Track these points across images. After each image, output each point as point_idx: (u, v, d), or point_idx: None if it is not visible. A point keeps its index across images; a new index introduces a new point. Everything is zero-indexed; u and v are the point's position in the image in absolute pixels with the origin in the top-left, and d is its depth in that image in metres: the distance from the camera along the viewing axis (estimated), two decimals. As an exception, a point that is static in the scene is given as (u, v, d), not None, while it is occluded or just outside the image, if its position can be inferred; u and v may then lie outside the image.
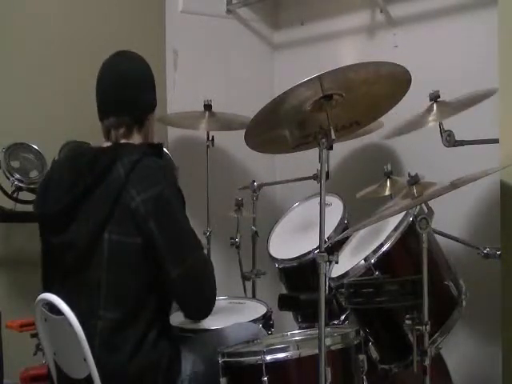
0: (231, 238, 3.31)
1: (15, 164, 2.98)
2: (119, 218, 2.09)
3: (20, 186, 2.97)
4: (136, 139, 2.25)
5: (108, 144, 2.25)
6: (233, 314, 2.71)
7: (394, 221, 2.36)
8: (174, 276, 2.10)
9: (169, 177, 2.17)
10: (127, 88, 2.24)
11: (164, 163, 2.22)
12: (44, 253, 2.25)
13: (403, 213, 2.33)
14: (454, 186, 2.17)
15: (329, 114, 2.03)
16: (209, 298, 2.21)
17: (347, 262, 2.42)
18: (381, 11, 3.43)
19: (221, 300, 2.90)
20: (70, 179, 2.16)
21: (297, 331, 2.53)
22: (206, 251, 3.34)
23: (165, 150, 2.35)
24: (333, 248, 2.58)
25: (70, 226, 2.14)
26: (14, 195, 2.98)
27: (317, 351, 1.95)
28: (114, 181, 2.10)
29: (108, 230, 2.09)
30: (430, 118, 2.58)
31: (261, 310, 2.70)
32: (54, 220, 2.18)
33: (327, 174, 2.03)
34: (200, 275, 2.18)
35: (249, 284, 3.34)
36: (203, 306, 2.21)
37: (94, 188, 2.11)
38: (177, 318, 2.48)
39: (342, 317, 2.73)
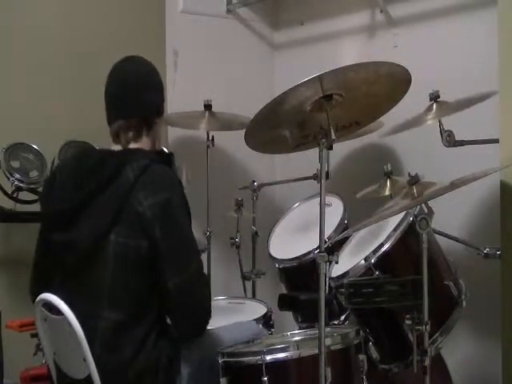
0: (231, 238, 3.31)
1: (15, 164, 2.98)
2: (126, 221, 2.09)
3: (20, 186, 2.97)
4: (145, 142, 2.25)
5: (117, 147, 2.25)
6: (233, 314, 2.71)
7: (393, 221, 2.36)
8: (171, 285, 2.09)
9: (177, 185, 2.18)
10: (136, 91, 2.25)
11: (174, 173, 2.22)
12: (42, 253, 2.25)
13: (403, 213, 2.33)
14: (454, 186, 2.17)
15: (329, 114, 2.03)
16: (204, 311, 2.17)
17: (347, 261, 2.42)
18: (381, 11, 3.43)
19: (221, 300, 2.90)
20: (75, 180, 2.17)
21: (297, 331, 2.53)
22: (205, 251, 3.35)
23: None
24: (333, 248, 2.58)
25: (74, 227, 2.14)
26: (14, 195, 2.98)
27: (317, 351, 1.95)
28: (122, 184, 2.10)
29: (114, 233, 2.09)
30: (430, 118, 2.58)
31: (261, 310, 2.70)
32: (57, 220, 2.18)
33: (327, 173, 2.03)
34: (198, 285, 2.17)
35: (249, 284, 3.34)
36: (199, 318, 2.18)
37: (100, 190, 2.11)
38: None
39: (342, 317, 2.73)
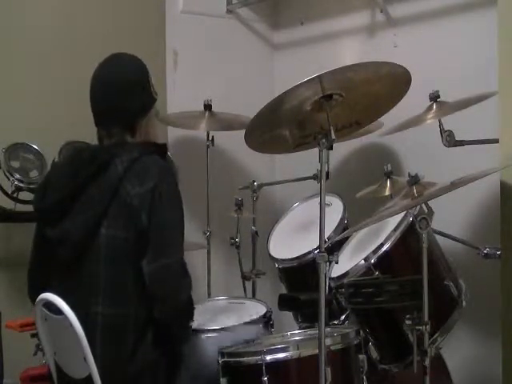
0: (231, 238, 3.31)
1: (15, 164, 2.98)
2: (115, 213, 2.10)
3: (20, 186, 2.97)
4: (130, 141, 2.25)
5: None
6: (233, 314, 2.71)
7: (393, 221, 2.36)
8: (146, 270, 2.08)
9: (167, 175, 2.17)
10: (113, 98, 2.23)
11: (165, 163, 2.21)
12: (37, 251, 2.25)
13: (403, 213, 2.33)
14: (454, 185, 2.18)
15: (329, 114, 2.03)
16: (177, 303, 2.15)
17: (347, 261, 2.42)
18: (381, 11, 3.43)
19: (221, 300, 2.90)
20: (68, 176, 2.17)
21: (297, 331, 2.53)
22: (205, 251, 3.35)
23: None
24: (333, 248, 2.58)
25: (66, 221, 2.14)
26: (14, 195, 2.98)
27: (317, 351, 1.96)
28: (111, 177, 2.11)
29: (105, 226, 2.10)
30: (430, 118, 2.58)
31: (261, 310, 2.70)
32: (50, 215, 2.18)
33: (327, 174, 2.03)
34: (171, 275, 2.13)
35: (249, 284, 3.34)
36: (173, 310, 2.15)
37: (91, 184, 2.13)
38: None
39: (342, 317, 2.73)
